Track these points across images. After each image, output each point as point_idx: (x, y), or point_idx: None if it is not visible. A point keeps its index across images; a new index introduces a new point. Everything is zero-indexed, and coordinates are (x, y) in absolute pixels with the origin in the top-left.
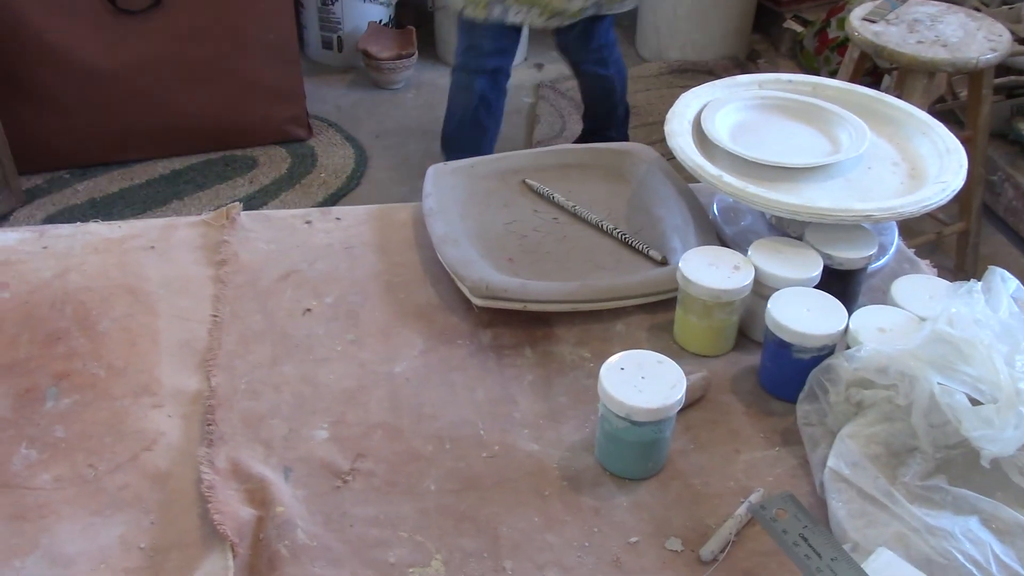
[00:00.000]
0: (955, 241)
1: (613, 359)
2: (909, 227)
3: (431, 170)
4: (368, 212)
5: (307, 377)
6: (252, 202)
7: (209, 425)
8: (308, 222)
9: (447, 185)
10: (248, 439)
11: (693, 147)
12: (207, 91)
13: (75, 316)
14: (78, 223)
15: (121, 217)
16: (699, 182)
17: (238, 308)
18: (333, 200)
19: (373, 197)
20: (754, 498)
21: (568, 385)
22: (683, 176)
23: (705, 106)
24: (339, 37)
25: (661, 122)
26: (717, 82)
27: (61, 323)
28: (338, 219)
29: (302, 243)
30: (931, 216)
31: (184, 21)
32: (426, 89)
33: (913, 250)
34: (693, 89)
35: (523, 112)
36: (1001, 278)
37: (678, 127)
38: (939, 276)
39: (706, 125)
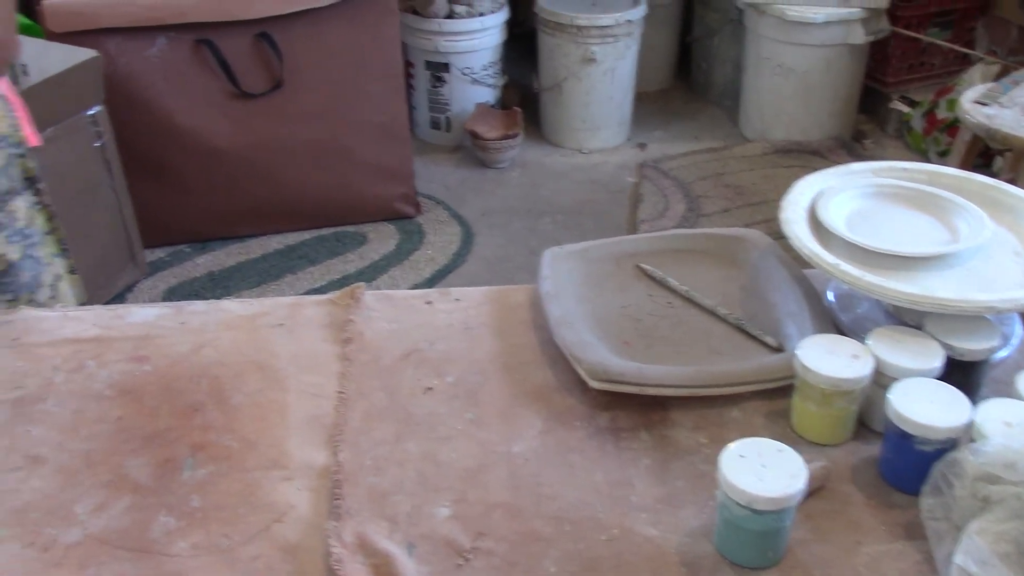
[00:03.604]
0: None
1: (733, 446)
2: None
3: (547, 253)
4: (485, 293)
5: (429, 455)
6: (361, 277)
7: (337, 499)
8: (429, 302)
9: (563, 268)
10: (374, 514)
11: (809, 235)
12: (321, 169)
13: (210, 390)
14: (211, 300)
15: (237, 289)
16: (813, 268)
17: (363, 385)
18: (440, 276)
19: (479, 273)
20: None
21: (685, 470)
22: (796, 261)
23: (820, 193)
24: (447, 117)
25: (765, 202)
26: (831, 170)
27: (197, 396)
28: (457, 300)
29: (423, 323)
30: None
31: (302, 104)
32: (531, 168)
33: None
34: (807, 177)
35: (626, 191)
36: None
37: (793, 215)
38: None
39: (821, 213)
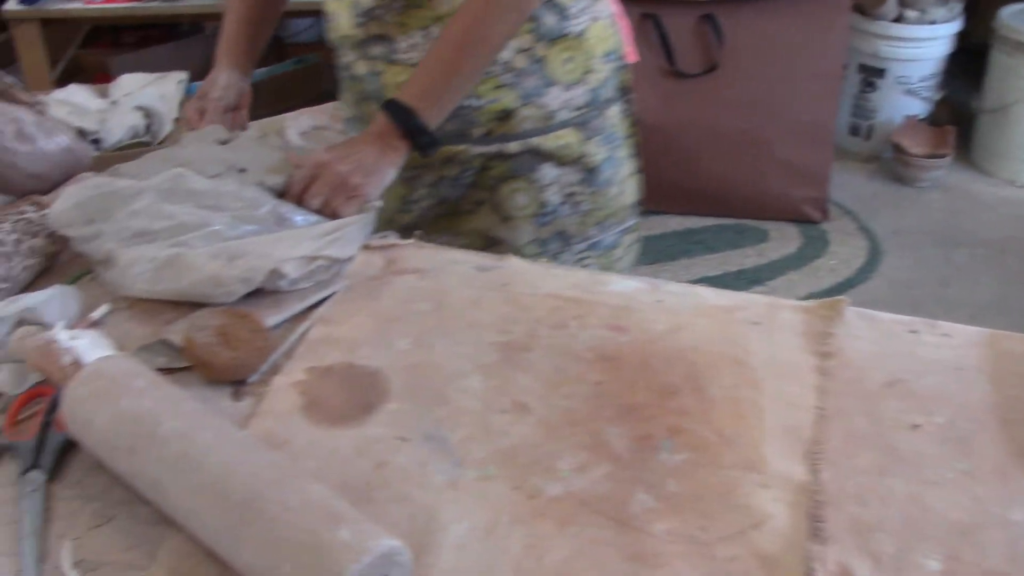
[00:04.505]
0: None
1: None
2: None
3: None
4: (979, 335)
5: (915, 497)
6: (757, 275)
7: (818, 522)
8: (914, 331)
9: None
10: (856, 547)
11: None
12: (736, 159)
13: (686, 375)
14: (687, 284)
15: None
16: None
17: (842, 406)
18: (840, 289)
19: (882, 295)
20: None
21: None
22: None
23: None
24: (871, 125)
25: None
26: None
27: (673, 378)
28: (946, 335)
29: (907, 352)
30: None
31: (732, 91)
32: (953, 193)
33: None
34: None
35: None
36: None
37: None
38: None
39: None
